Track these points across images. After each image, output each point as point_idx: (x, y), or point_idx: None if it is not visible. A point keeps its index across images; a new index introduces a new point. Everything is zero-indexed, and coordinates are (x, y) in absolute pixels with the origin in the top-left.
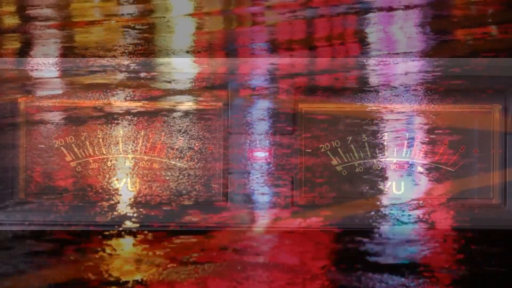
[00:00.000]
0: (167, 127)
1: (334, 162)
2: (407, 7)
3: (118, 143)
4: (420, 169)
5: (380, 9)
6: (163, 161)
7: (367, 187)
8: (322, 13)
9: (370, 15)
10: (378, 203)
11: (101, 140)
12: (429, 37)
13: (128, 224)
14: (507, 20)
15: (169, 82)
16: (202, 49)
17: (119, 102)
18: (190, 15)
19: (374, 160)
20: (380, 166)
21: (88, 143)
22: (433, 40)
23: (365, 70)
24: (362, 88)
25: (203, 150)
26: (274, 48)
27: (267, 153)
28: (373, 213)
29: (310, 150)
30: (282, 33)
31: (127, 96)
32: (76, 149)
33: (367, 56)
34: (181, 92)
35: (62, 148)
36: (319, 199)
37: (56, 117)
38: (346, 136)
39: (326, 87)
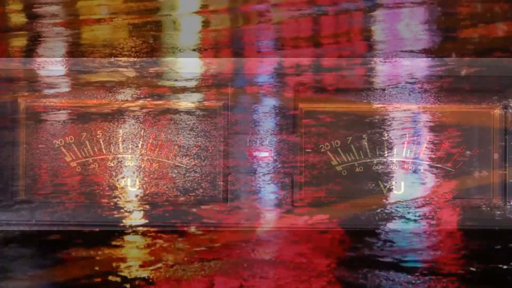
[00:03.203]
0: (171, 125)
1: (334, 162)
2: (411, 4)
3: (122, 141)
4: (420, 168)
5: (386, 6)
6: (164, 160)
7: (368, 187)
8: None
9: (376, 12)
10: (380, 202)
11: (104, 139)
12: (432, 36)
13: (133, 222)
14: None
15: (171, 80)
16: (207, 47)
17: (123, 101)
18: (196, 13)
19: (374, 160)
20: (380, 166)
21: (90, 142)
22: (435, 39)
23: (369, 69)
24: (365, 87)
25: (205, 149)
26: (277, 46)
27: (268, 153)
28: (377, 211)
29: (310, 150)
30: (287, 31)
31: (133, 94)
32: (77, 149)
33: (372, 54)
34: (183, 91)
35: (62, 148)
36: (320, 198)
37: (57, 116)
38: (346, 136)
39: (327, 87)
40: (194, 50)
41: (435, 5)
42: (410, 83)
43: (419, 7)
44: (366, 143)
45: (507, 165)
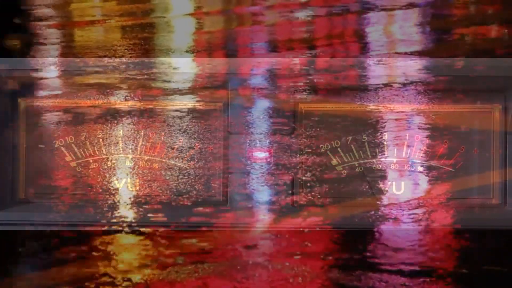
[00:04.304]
0: (167, 126)
1: (334, 162)
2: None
3: (118, 143)
4: (420, 168)
5: (381, 8)
6: (163, 161)
7: (368, 187)
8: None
9: (370, 14)
10: (378, 202)
11: (100, 140)
12: (429, 36)
13: (129, 223)
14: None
15: (169, 81)
16: (202, 48)
17: (119, 102)
18: (190, 14)
19: (374, 160)
20: (380, 166)
21: (88, 143)
22: (434, 39)
23: (365, 70)
24: (362, 87)
25: (203, 150)
26: (274, 47)
27: (267, 153)
28: (373, 212)
29: (310, 150)
30: (281, 33)
31: (127, 96)
32: (76, 149)
33: (367, 55)
34: (181, 92)
35: (62, 148)
36: (319, 199)
37: (56, 117)
38: (346, 136)
39: (326, 87)
40: (188, 52)
41: (429, 7)
42: (410, 83)
43: (413, 9)
44: (366, 143)
45: (507, 165)
